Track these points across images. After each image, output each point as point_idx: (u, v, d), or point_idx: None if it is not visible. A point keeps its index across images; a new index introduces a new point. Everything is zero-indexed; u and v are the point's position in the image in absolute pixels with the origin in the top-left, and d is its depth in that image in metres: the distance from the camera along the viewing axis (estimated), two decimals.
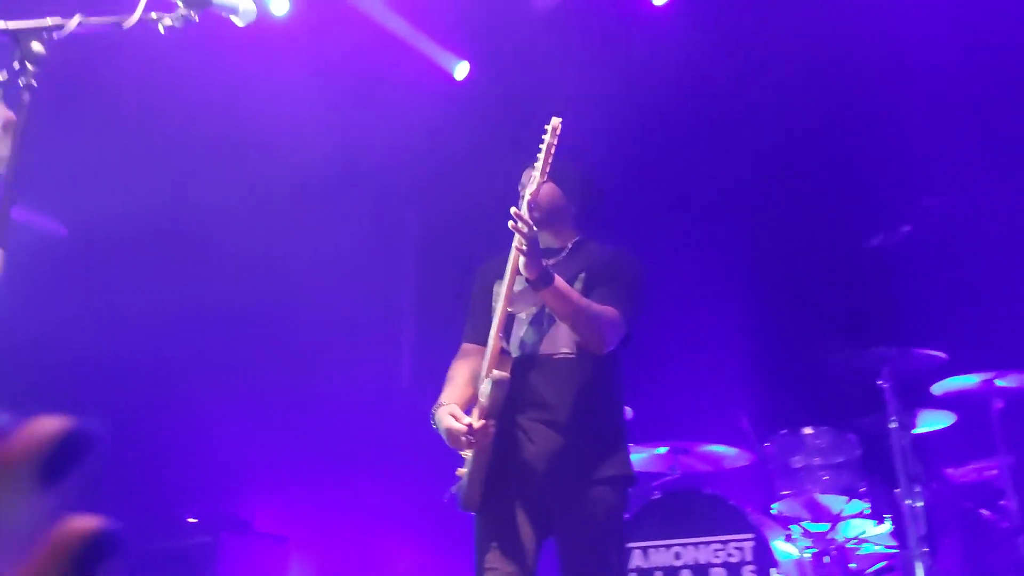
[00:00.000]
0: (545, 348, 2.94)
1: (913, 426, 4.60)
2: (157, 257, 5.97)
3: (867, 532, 4.61)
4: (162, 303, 5.81)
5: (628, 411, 5.04)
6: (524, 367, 2.91)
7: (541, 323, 2.97)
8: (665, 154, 5.84)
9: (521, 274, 2.75)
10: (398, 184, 6.54)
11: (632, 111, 5.74)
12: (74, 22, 2.00)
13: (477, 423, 2.75)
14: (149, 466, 5.77)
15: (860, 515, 4.55)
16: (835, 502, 4.54)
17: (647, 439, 5.08)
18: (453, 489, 2.95)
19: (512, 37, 6.04)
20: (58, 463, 0.56)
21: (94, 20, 2.05)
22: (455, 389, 3.01)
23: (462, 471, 2.87)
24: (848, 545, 4.54)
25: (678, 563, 4.26)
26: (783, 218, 5.87)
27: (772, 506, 4.70)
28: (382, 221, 6.59)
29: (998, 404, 4.53)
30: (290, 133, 5.95)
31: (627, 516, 4.60)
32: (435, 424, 2.90)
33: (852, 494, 4.50)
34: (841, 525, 4.56)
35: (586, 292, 2.94)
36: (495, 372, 2.75)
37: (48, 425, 0.54)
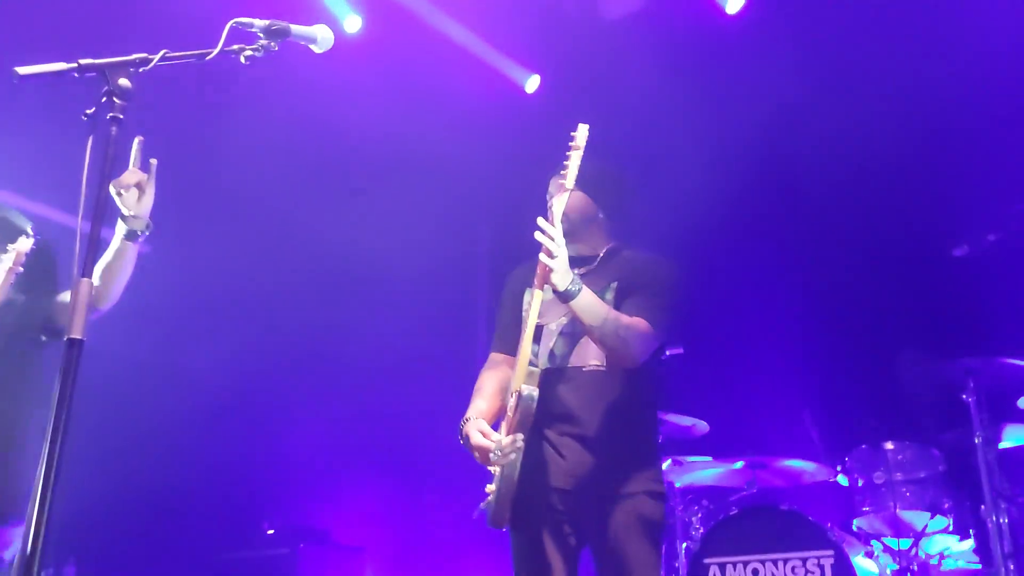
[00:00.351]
0: (575, 360, 2.87)
1: (999, 440, 4.48)
2: (239, 272, 6.10)
3: (950, 549, 4.50)
4: (242, 318, 5.94)
5: (702, 425, 5.01)
6: (553, 379, 2.85)
7: (571, 334, 2.90)
8: (742, 163, 5.78)
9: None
10: (471, 197, 6.59)
11: (705, 119, 5.69)
12: (158, 57, 2.07)
13: (505, 440, 2.67)
14: (229, 479, 5.90)
15: (943, 531, 4.44)
16: (918, 518, 4.44)
17: (724, 454, 5.03)
18: (482, 506, 2.86)
19: (583, 50, 6.04)
20: None
21: (178, 55, 2.11)
22: (483, 401, 2.94)
23: (491, 487, 2.78)
24: (931, 562, 4.44)
25: None
26: (866, 228, 5.76)
27: (853, 522, 4.62)
28: (456, 234, 6.64)
29: None
30: (366, 146, 6.05)
31: (703, 531, 4.58)
32: (463, 439, 2.84)
33: (935, 510, 4.40)
34: (924, 541, 4.46)
35: (618, 302, 2.87)
36: (524, 387, 2.66)
37: None
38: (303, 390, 6.23)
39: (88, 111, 2.02)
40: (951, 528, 4.43)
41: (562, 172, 2.70)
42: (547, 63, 6.40)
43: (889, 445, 4.57)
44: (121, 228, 2.76)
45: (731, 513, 4.47)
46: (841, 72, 5.54)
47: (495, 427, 2.84)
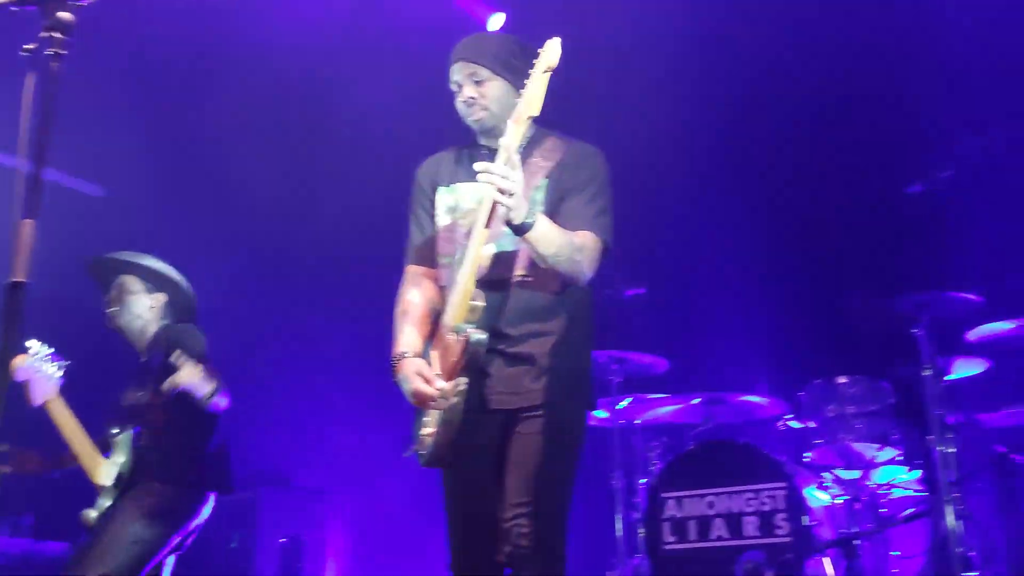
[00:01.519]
0: (502, 269, 2.63)
1: (948, 372, 4.58)
2: (201, 210, 6.05)
3: (899, 479, 4.62)
4: (202, 258, 5.89)
5: (662, 363, 5.07)
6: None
7: (499, 242, 2.67)
8: (698, 105, 5.78)
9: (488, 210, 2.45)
10: (434, 140, 6.53)
11: (664, 60, 5.67)
12: None
13: (448, 386, 2.50)
14: None
15: (891, 462, 4.56)
16: (867, 449, 4.55)
17: (681, 390, 5.11)
18: (416, 448, 2.67)
19: None
20: None
21: None
22: (412, 329, 2.71)
23: (426, 431, 2.59)
24: (879, 491, 4.56)
25: (711, 512, 4.31)
26: (821, 166, 5.80)
27: (805, 454, 4.72)
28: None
29: None
30: (317, 87, 5.95)
31: (660, 466, 4.67)
32: (396, 379, 2.63)
33: (885, 442, 4.51)
34: (873, 472, 4.57)
35: (552, 203, 2.67)
36: (472, 331, 2.47)
37: None
38: (263, 334, 6.21)
39: (27, 47, 1.97)
40: (900, 458, 4.55)
41: (520, 92, 2.45)
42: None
43: (842, 379, 4.66)
44: None
45: (688, 448, 4.55)
46: (791, 7, 5.52)
47: (424, 354, 2.66)
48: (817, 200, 5.79)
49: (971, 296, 4.38)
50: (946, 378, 4.47)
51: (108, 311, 3.85)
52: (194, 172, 6.10)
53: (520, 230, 2.45)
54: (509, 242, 2.61)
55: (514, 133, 2.43)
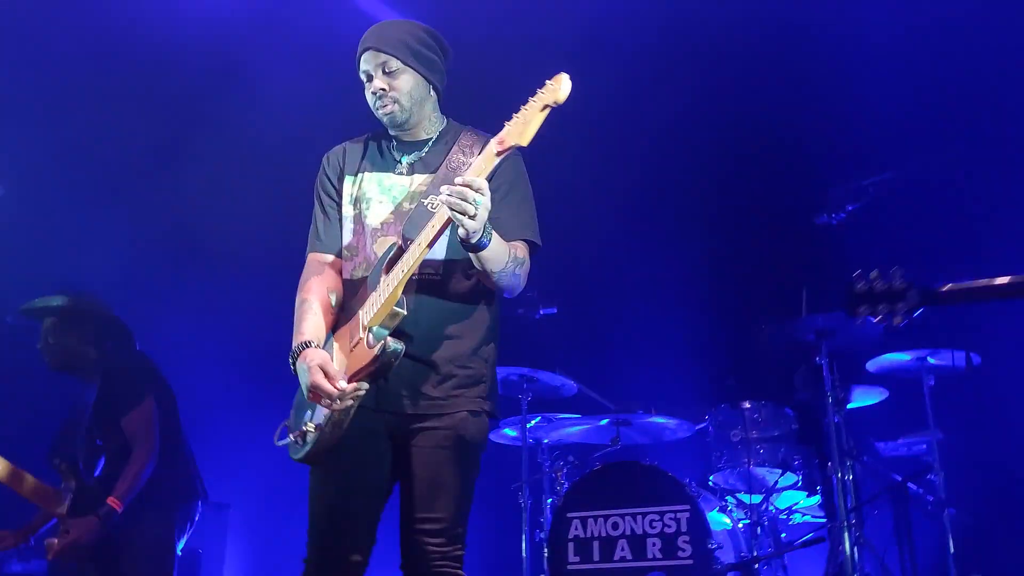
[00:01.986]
0: (418, 274, 2.53)
1: (848, 401, 4.71)
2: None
3: (799, 504, 4.72)
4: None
5: (571, 384, 5.09)
6: (372, 280, 2.54)
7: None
8: (616, 134, 5.86)
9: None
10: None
11: (584, 88, 5.70)
12: None
13: (349, 387, 2.41)
14: None
15: (793, 487, 4.66)
16: (770, 474, 4.64)
17: (589, 410, 5.14)
18: (294, 438, 2.56)
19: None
20: None
21: None
22: (315, 319, 2.60)
23: (310, 426, 2.49)
24: (781, 516, 4.65)
25: (616, 533, 4.32)
26: (734, 197, 5.94)
27: (709, 477, 4.79)
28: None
29: (929, 381, 4.64)
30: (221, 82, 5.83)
31: (567, 486, 4.68)
32: (296, 367, 2.52)
33: (786, 467, 4.61)
34: (775, 497, 4.66)
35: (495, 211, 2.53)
36: (390, 341, 2.40)
37: None
38: (160, 346, 6.04)
39: None
40: (800, 484, 4.65)
41: (516, 119, 2.33)
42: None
43: (746, 404, 4.75)
44: None
45: (594, 468, 4.57)
46: (709, 42, 5.64)
47: (324, 346, 2.57)
48: (728, 228, 5.92)
49: (871, 326, 4.50)
50: (847, 406, 4.59)
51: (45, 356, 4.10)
52: (93, 166, 5.92)
53: (476, 248, 2.40)
54: (438, 250, 2.55)
55: (490, 160, 2.37)
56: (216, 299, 6.08)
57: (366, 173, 2.73)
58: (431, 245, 2.40)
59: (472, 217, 2.29)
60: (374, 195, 2.68)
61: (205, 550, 5.48)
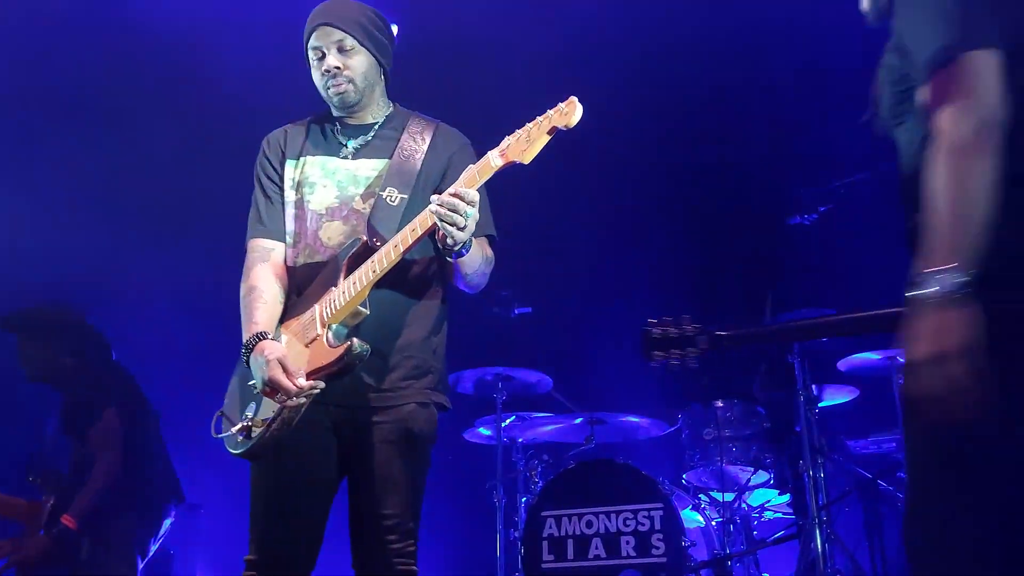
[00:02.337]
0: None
1: (820, 400, 4.75)
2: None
3: (771, 502, 4.76)
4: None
5: (546, 381, 5.10)
6: (320, 270, 2.47)
7: (350, 221, 2.52)
8: (587, 132, 5.83)
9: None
10: None
11: (553, 79, 5.73)
12: None
13: (305, 384, 2.32)
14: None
15: (765, 485, 4.69)
16: (742, 473, 4.68)
17: (563, 409, 5.15)
18: (235, 432, 2.45)
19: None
20: None
21: None
22: (268, 309, 2.50)
23: (257, 420, 2.40)
24: (753, 514, 4.68)
25: (590, 531, 4.33)
26: (708, 196, 5.98)
27: (682, 476, 4.82)
28: None
29: (899, 380, 4.69)
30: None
31: (541, 485, 4.69)
32: (250, 360, 2.41)
33: (758, 465, 4.65)
34: (747, 494, 4.69)
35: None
36: (357, 343, 2.30)
37: None
38: (128, 347, 5.98)
39: None
40: (772, 482, 4.69)
41: (520, 135, 2.26)
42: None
43: (719, 403, 4.78)
44: None
45: (568, 467, 4.58)
46: (681, 42, 5.67)
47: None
48: (703, 228, 5.95)
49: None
50: (818, 405, 4.63)
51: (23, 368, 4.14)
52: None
53: (456, 255, 2.37)
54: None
55: (486, 173, 2.28)
56: (188, 288, 6.01)
57: (309, 156, 2.63)
58: (408, 251, 2.33)
59: (462, 229, 2.25)
60: (317, 179, 2.59)
61: (176, 551, 5.45)
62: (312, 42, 2.58)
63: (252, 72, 5.50)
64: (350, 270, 2.39)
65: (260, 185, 2.68)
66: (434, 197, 2.29)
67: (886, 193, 4.90)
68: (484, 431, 5.18)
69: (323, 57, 2.58)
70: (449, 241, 2.29)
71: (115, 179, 5.82)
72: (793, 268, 5.46)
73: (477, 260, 2.47)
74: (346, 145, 2.64)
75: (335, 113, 2.69)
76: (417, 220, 2.32)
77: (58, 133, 5.76)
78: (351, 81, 2.58)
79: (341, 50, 2.57)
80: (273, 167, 2.67)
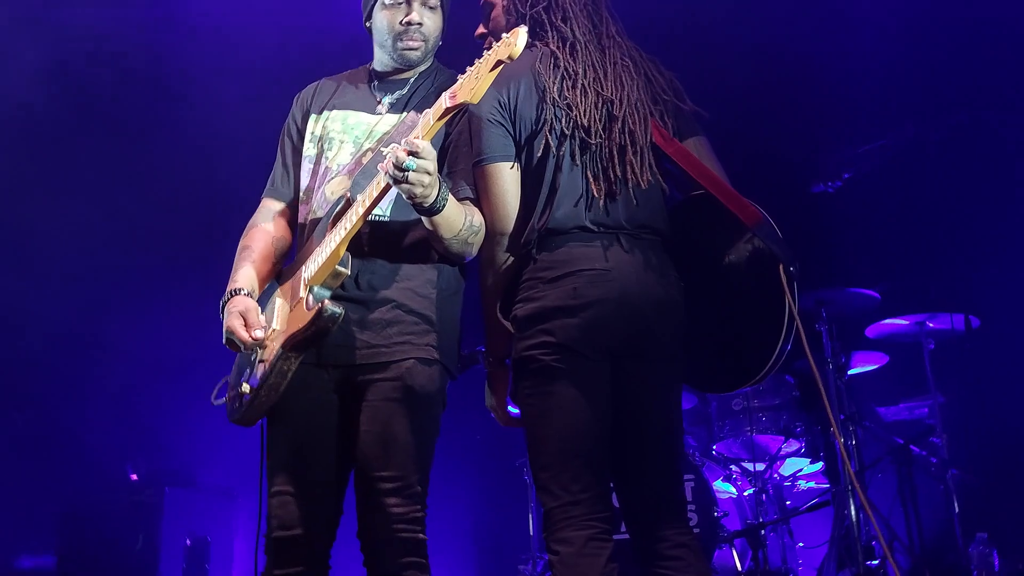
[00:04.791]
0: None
1: (849, 367, 4.73)
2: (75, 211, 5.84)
3: (803, 470, 4.75)
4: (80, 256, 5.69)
5: None
6: (324, 228, 2.35)
7: (354, 176, 2.43)
8: None
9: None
10: None
11: None
12: None
13: (260, 335, 2.29)
14: (87, 425, 5.72)
15: (796, 454, 4.68)
16: (772, 442, 4.67)
17: None
18: (229, 400, 2.43)
19: None
20: None
21: None
22: (252, 267, 2.46)
23: (246, 388, 2.35)
24: (785, 484, 4.68)
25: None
26: (732, 166, 5.91)
27: (712, 447, 4.81)
28: None
29: (929, 345, 4.67)
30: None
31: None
32: (223, 313, 2.39)
33: (789, 434, 4.63)
34: (778, 464, 4.69)
35: (444, 160, 2.42)
36: (328, 304, 2.21)
37: None
38: (161, 330, 6.05)
39: None
40: (803, 451, 4.67)
41: (469, 73, 2.11)
42: None
43: None
44: None
45: None
46: (703, 10, 5.63)
47: (261, 300, 2.42)
48: None
49: (870, 292, 4.53)
50: (848, 372, 4.61)
51: None
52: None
53: (429, 212, 2.21)
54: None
55: (438, 115, 2.12)
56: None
57: (334, 111, 2.55)
58: (372, 207, 2.21)
59: (409, 183, 2.10)
60: (336, 134, 2.51)
61: (214, 538, 5.51)
62: None
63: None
64: (334, 228, 2.30)
65: (281, 146, 2.65)
66: (383, 149, 2.22)
67: (911, 159, 4.89)
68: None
69: (402, 4, 2.47)
70: (405, 196, 2.16)
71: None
72: (818, 240, 5.43)
73: (457, 224, 2.28)
74: (381, 101, 2.54)
75: (380, 67, 2.59)
76: (381, 174, 2.17)
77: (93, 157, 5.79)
78: (425, 40, 2.50)
79: (426, 5, 2.49)
80: (297, 125, 2.62)
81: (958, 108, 5.09)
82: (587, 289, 2.26)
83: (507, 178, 2.36)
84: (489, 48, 2.14)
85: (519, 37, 2.04)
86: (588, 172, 2.36)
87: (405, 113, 2.49)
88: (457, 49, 2.62)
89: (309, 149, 2.55)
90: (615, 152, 2.38)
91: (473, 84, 2.08)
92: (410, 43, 2.49)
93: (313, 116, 2.58)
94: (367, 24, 2.60)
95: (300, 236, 2.51)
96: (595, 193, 2.34)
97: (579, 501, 2.24)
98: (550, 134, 2.36)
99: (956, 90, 5.24)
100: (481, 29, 2.64)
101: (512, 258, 2.37)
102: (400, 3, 2.47)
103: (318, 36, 5.27)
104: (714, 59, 5.67)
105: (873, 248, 5.18)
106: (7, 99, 5.30)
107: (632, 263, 2.32)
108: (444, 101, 2.12)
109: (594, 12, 2.55)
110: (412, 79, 2.55)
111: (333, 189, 2.43)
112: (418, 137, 2.12)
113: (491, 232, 2.36)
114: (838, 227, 5.13)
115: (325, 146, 2.51)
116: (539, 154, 2.36)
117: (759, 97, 5.68)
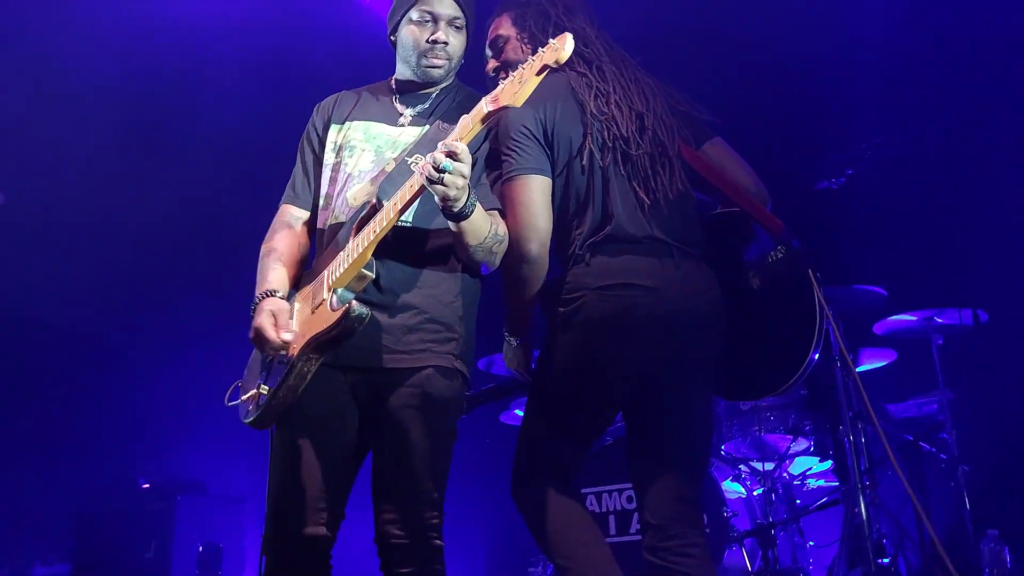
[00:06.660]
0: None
1: (857, 364, 4.71)
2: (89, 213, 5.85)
3: (812, 469, 4.73)
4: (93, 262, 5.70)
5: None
6: (347, 233, 2.37)
7: (378, 183, 2.44)
8: None
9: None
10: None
11: None
12: None
13: (288, 336, 2.29)
14: (99, 434, 5.75)
15: (804, 452, 4.66)
16: (781, 441, 4.65)
17: None
18: (244, 400, 2.45)
19: None
20: None
21: None
22: (283, 270, 2.50)
23: (264, 389, 2.36)
24: (794, 482, 4.66)
25: (631, 506, 4.34)
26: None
27: (720, 447, 4.80)
28: None
29: (937, 341, 4.65)
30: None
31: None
32: (256, 312, 2.39)
33: (797, 433, 4.61)
34: (787, 463, 4.67)
35: (478, 177, 2.49)
36: (356, 305, 2.23)
37: None
38: (170, 338, 6.07)
39: None
40: (812, 449, 4.65)
41: (513, 77, 2.13)
42: None
43: None
44: None
45: (605, 443, 4.58)
46: (707, 7, 5.62)
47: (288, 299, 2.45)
48: None
49: (876, 289, 4.52)
50: (856, 369, 4.60)
51: None
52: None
53: (457, 217, 2.25)
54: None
55: (478, 120, 2.16)
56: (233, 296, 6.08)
57: (355, 121, 2.61)
58: (404, 210, 2.24)
59: (443, 184, 2.13)
60: (358, 143, 2.56)
61: (225, 544, 5.53)
62: (427, 6, 2.56)
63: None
64: (358, 233, 2.32)
65: (301, 153, 2.70)
66: (407, 159, 2.31)
67: (915, 154, 4.88)
68: (520, 412, 5.19)
69: (430, 22, 2.56)
70: (438, 199, 2.19)
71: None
72: (823, 237, 5.41)
73: (483, 232, 2.33)
74: (403, 114, 2.61)
75: (402, 81, 2.65)
76: (412, 177, 2.22)
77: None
78: (449, 59, 2.60)
79: (454, 25, 2.59)
80: (317, 133, 2.68)
81: (963, 102, 5.08)
82: (635, 308, 2.43)
83: (538, 190, 2.47)
84: (506, 78, 2.17)
85: (567, 42, 2.07)
86: (632, 182, 2.53)
87: (428, 126, 2.54)
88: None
89: (329, 157, 2.61)
90: (651, 162, 2.57)
91: (516, 88, 2.11)
92: (435, 60, 2.58)
93: (335, 126, 2.64)
94: (392, 38, 2.69)
95: (318, 242, 2.55)
96: (644, 199, 2.51)
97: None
98: (594, 145, 2.52)
99: (960, 84, 5.23)
100: (493, 63, 2.78)
101: (541, 269, 2.49)
102: (428, 21, 2.57)
103: (334, 43, 5.31)
104: (717, 56, 5.67)
105: (879, 244, 5.16)
106: (7, 99, 5.35)
107: (680, 281, 2.48)
108: (485, 105, 2.16)
109: (605, 39, 2.77)
110: (434, 94, 2.64)
111: (355, 195, 2.48)
112: (457, 140, 2.16)
113: (516, 243, 2.45)
114: (843, 224, 5.11)
115: (345, 153, 2.57)
116: (585, 163, 2.51)
117: (762, 94, 5.68)
